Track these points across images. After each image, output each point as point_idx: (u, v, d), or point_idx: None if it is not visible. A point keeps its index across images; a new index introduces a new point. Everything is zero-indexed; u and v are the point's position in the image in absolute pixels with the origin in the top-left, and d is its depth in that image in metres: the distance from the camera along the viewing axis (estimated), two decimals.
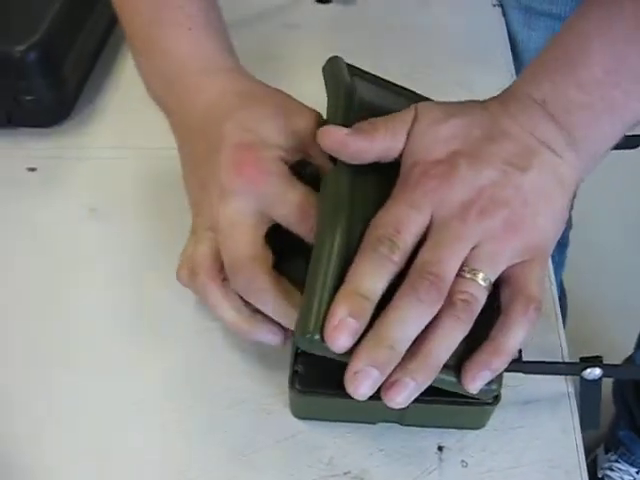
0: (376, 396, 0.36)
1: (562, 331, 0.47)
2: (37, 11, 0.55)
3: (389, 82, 0.46)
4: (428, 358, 0.35)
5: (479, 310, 0.36)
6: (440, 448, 0.42)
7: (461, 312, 0.36)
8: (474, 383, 0.36)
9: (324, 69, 0.45)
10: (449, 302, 0.36)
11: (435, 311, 0.35)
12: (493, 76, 0.64)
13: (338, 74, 0.44)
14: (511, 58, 0.67)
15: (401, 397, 0.35)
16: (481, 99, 0.41)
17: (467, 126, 0.39)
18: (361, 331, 0.35)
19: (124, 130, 0.59)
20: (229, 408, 0.44)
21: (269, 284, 0.40)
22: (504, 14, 0.70)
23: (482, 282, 0.36)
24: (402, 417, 0.42)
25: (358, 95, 0.43)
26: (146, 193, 0.55)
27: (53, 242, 0.52)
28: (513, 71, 0.65)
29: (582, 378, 0.42)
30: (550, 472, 0.41)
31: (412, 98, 0.45)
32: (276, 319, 0.41)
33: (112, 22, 0.66)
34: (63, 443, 0.42)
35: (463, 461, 0.42)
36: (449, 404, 0.40)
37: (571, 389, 0.44)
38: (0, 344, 0.47)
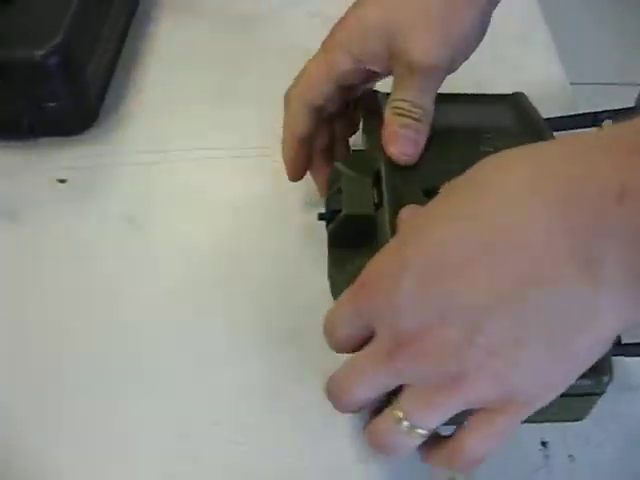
0: None
1: None
2: (54, 12, 0.51)
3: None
4: None
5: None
6: (544, 444, 0.39)
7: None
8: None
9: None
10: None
11: None
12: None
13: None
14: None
15: None
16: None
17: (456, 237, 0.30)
18: None
19: (153, 134, 0.56)
20: None
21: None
22: None
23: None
24: None
25: None
26: (185, 197, 0.52)
27: (96, 257, 0.48)
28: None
29: None
30: None
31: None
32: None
33: (129, 19, 0.62)
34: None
35: (570, 455, 0.39)
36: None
37: None
38: (55, 365, 0.43)
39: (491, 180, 0.30)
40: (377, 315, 0.31)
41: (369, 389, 0.32)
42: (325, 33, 0.43)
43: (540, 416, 0.39)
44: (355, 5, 0.43)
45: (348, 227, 0.41)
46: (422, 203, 0.39)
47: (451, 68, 0.42)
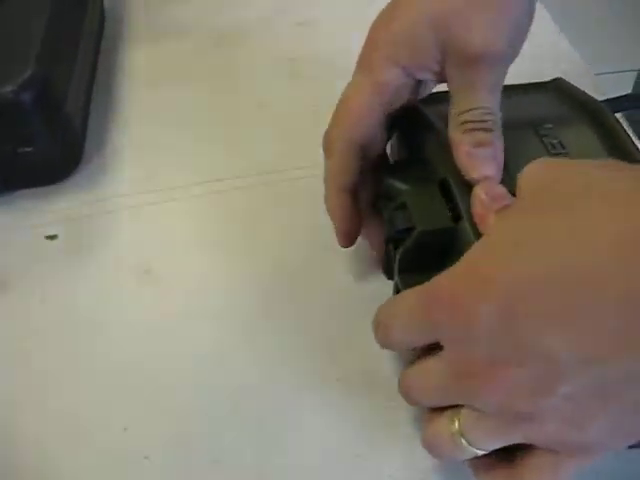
0: None
1: None
2: (21, 40, 0.43)
3: None
4: None
5: None
6: None
7: None
8: None
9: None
10: None
11: None
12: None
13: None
14: None
15: None
16: None
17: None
18: None
19: (147, 170, 0.48)
20: None
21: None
22: None
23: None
24: None
25: (443, 124, 0.38)
26: (197, 237, 0.45)
27: (104, 326, 0.40)
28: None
29: None
30: None
31: None
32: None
33: (98, 46, 0.55)
34: None
35: None
36: None
37: None
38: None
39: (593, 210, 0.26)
40: (449, 336, 0.28)
41: (432, 397, 0.31)
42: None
43: None
44: (389, 10, 0.37)
45: (424, 245, 0.35)
46: None
47: (512, 57, 0.36)
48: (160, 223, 0.45)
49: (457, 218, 0.35)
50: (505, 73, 0.37)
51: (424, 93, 0.39)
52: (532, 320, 0.25)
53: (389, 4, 0.37)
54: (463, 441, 0.29)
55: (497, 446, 0.29)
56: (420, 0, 0.36)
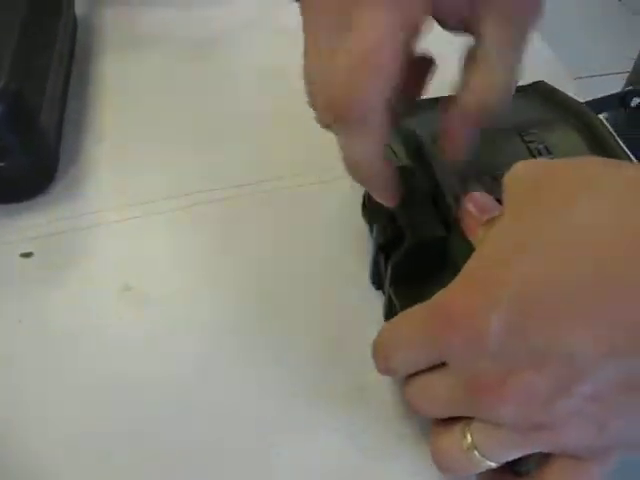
0: None
1: None
2: None
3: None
4: None
5: None
6: None
7: None
8: None
9: None
10: None
11: None
12: None
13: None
14: None
15: None
16: None
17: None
18: None
19: (123, 184, 0.47)
20: None
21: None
22: None
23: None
24: None
25: (427, 132, 0.38)
26: (175, 252, 0.43)
27: (89, 339, 0.39)
28: None
29: None
30: None
31: None
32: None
33: (71, 59, 0.53)
34: None
35: None
36: None
37: None
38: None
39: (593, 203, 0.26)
40: (460, 353, 0.27)
41: (440, 410, 0.29)
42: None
43: None
44: None
45: (416, 256, 0.34)
46: None
47: None
48: (138, 238, 0.44)
49: (448, 228, 0.34)
50: None
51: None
52: (543, 322, 0.25)
53: None
54: (477, 454, 0.28)
55: (514, 457, 0.28)
56: None
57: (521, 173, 0.29)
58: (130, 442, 0.35)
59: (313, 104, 0.32)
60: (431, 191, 0.36)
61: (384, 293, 0.38)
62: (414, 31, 0.30)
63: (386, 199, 0.35)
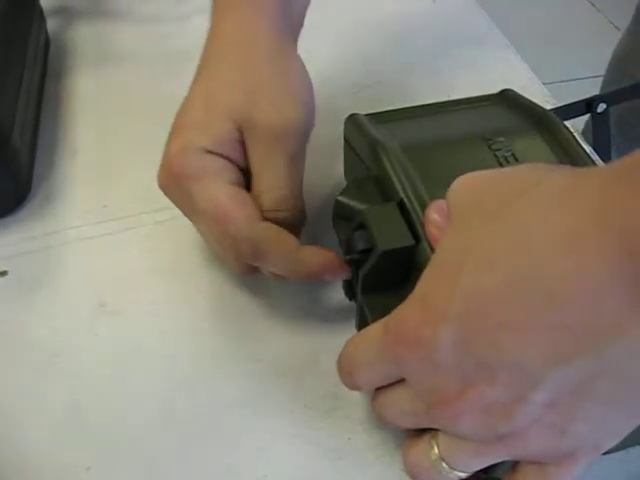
0: None
1: None
2: None
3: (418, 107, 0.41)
4: None
5: None
6: None
7: None
8: None
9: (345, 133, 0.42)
10: None
11: None
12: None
13: (362, 132, 0.40)
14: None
15: None
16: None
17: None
18: None
19: (98, 200, 0.47)
20: None
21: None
22: None
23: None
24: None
25: (396, 142, 0.38)
26: (149, 268, 0.43)
27: (65, 357, 0.39)
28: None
29: None
30: None
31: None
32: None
33: (43, 76, 0.53)
34: None
35: None
36: None
37: None
38: None
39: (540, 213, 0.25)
40: (415, 369, 0.28)
41: (405, 423, 0.30)
42: None
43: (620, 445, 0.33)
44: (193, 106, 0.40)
45: (386, 265, 0.35)
46: None
47: (307, 128, 0.39)
48: (113, 254, 0.44)
49: (417, 238, 0.34)
50: (304, 144, 0.39)
51: None
52: (487, 335, 0.25)
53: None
54: (445, 465, 0.28)
55: (481, 467, 0.28)
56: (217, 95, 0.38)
57: (461, 187, 0.30)
58: (107, 458, 0.35)
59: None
60: (399, 201, 0.36)
61: (355, 302, 0.38)
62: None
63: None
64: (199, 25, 0.61)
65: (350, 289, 0.38)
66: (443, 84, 0.54)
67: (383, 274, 0.35)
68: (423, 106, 0.43)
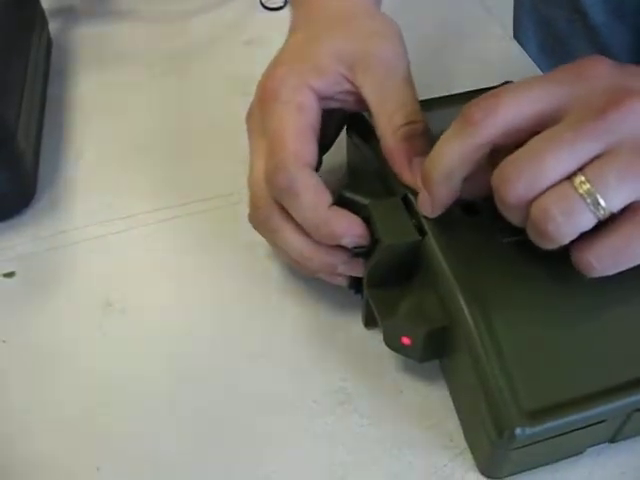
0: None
1: None
2: None
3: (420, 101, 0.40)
4: None
5: None
6: None
7: None
8: None
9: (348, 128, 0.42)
10: None
11: None
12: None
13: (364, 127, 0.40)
14: None
15: None
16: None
17: None
18: None
19: (103, 201, 0.47)
20: None
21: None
22: None
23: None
24: (617, 433, 0.33)
25: None
26: (156, 266, 0.44)
27: (74, 357, 0.39)
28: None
29: None
30: None
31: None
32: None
33: (46, 77, 0.54)
34: None
35: None
36: None
37: None
38: None
39: None
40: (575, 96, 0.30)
41: (566, 159, 0.29)
42: (265, 59, 0.38)
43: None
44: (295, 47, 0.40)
45: (391, 259, 0.35)
46: (463, 221, 0.36)
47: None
48: (119, 253, 0.44)
49: (422, 232, 0.35)
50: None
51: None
52: None
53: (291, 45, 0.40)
54: (589, 187, 0.28)
55: (628, 196, 0.28)
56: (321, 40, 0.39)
57: None
58: (117, 458, 0.35)
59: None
60: (403, 195, 0.36)
61: (362, 297, 0.38)
62: (310, 114, 0.38)
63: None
64: (200, 25, 0.62)
65: (356, 283, 0.39)
66: (445, 78, 0.54)
67: (388, 268, 0.35)
68: (425, 100, 0.43)
